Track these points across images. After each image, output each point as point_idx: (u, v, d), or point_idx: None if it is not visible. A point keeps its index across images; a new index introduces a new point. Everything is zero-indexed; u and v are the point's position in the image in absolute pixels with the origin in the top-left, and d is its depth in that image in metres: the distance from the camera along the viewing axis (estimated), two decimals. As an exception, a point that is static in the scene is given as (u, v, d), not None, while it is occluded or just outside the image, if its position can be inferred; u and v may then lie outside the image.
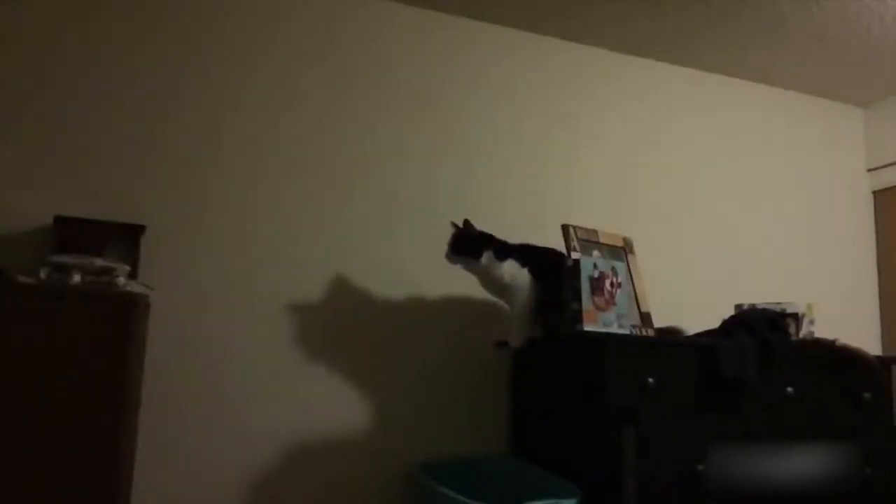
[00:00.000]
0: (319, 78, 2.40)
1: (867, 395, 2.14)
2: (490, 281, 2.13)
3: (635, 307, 2.19)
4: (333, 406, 2.26)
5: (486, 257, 2.07)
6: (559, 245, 2.14)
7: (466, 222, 2.13)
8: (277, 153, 2.31)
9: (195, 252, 2.18)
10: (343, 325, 2.30)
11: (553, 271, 2.09)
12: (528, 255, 2.12)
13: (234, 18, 2.32)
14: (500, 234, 2.13)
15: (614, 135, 2.80)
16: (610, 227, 2.29)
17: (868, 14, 2.47)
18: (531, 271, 2.09)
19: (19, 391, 1.54)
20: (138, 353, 1.84)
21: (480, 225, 2.14)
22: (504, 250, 2.10)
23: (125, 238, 1.94)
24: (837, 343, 2.16)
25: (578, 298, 1.98)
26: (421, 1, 2.52)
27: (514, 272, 2.09)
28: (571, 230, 2.14)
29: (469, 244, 2.08)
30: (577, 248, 2.11)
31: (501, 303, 2.24)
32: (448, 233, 2.12)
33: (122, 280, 1.75)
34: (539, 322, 2.15)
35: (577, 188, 2.70)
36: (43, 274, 1.67)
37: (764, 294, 2.64)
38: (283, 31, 2.37)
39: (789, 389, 2.05)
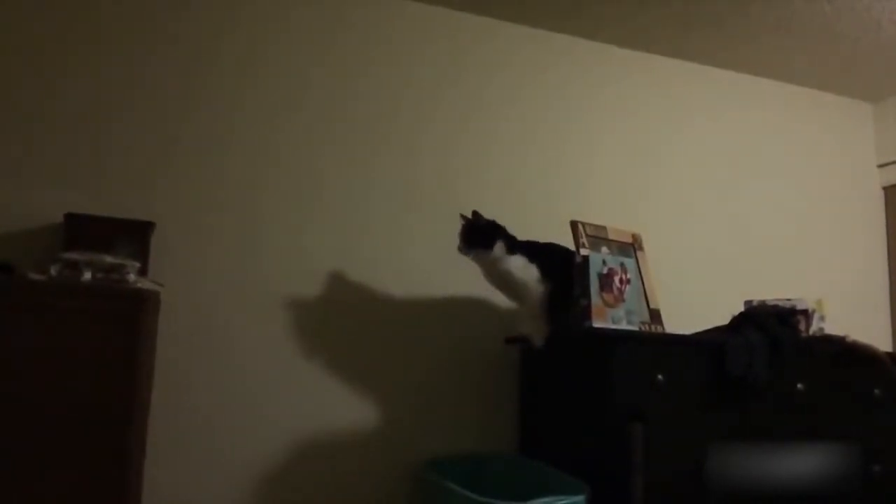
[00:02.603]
0: (329, 75, 2.40)
1: (877, 391, 2.13)
2: (497, 274, 2.09)
3: (644, 304, 2.18)
4: (342, 403, 2.26)
5: (499, 248, 2.04)
6: (568, 241, 2.13)
7: (475, 213, 2.12)
8: (287, 150, 2.31)
9: (205, 249, 2.18)
10: (351, 322, 2.31)
11: (561, 268, 2.09)
12: (536, 251, 2.10)
13: (244, 17, 2.33)
14: (511, 231, 2.12)
15: (624, 131, 2.79)
16: (620, 224, 2.29)
17: (879, 9, 2.46)
18: (540, 268, 2.08)
19: (30, 387, 1.55)
20: (148, 349, 1.85)
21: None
22: (514, 244, 2.08)
23: (135, 235, 1.95)
24: (847, 339, 2.15)
25: (587, 295, 1.98)
26: (432, -3, 2.53)
27: (523, 267, 2.07)
28: (580, 226, 2.14)
29: (479, 234, 2.06)
30: (586, 244, 2.11)
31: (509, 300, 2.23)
32: (457, 229, 2.12)
33: (132, 277, 1.75)
34: (548, 319, 2.14)
35: (587, 185, 2.69)
36: (53, 271, 1.68)
37: (774, 290, 2.62)
38: (292, 29, 2.38)
39: (799, 386, 2.04)
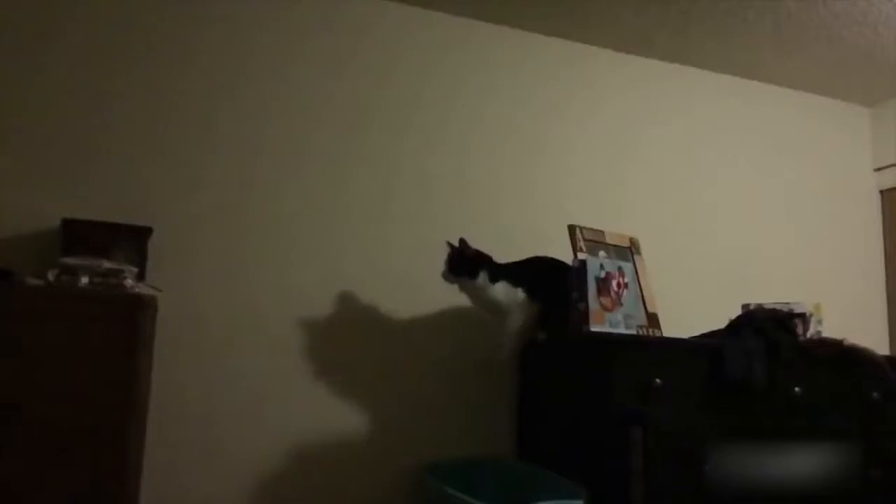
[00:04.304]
0: (313, 77, 2.39)
1: (875, 395, 2.14)
2: (484, 299, 2.14)
3: (642, 307, 2.18)
4: (339, 409, 2.26)
5: (482, 277, 2.09)
6: (560, 244, 2.14)
7: (462, 241, 2.14)
8: (276, 155, 2.31)
9: (202, 254, 2.18)
10: (349, 326, 2.30)
11: (552, 280, 2.10)
12: (521, 272, 2.13)
13: (240, 21, 2.33)
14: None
15: (619, 135, 2.79)
16: (616, 228, 2.29)
17: (875, 14, 2.46)
18: (526, 290, 2.11)
19: (29, 392, 1.55)
20: (146, 354, 1.84)
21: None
22: (497, 272, 2.11)
23: (133, 240, 1.95)
24: (845, 343, 2.16)
25: (585, 299, 1.98)
26: (412, -1, 2.52)
27: (507, 291, 2.11)
28: (578, 231, 2.14)
29: (465, 264, 2.10)
30: (584, 248, 2.11)
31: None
32: (443, 238, 2.13)
33: (129, 282, 1.75)
34: (543, 329, 2.15)
35: (581, 188, 2.69)
36: (51, 276, 1.68)
37: (771, 294, 2.63)
38: (283, 32, 2.38)
39: (797, 390, 2.05)
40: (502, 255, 2.19)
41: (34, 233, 2.00)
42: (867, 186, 3.21)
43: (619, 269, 2.07)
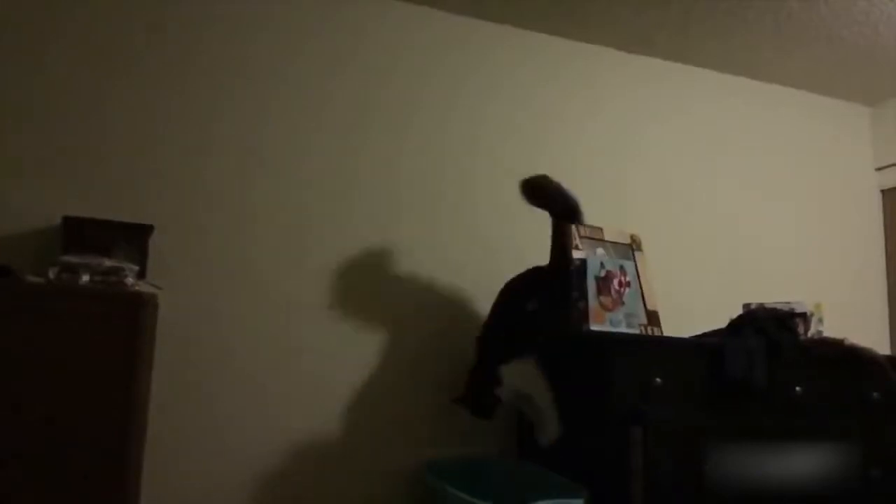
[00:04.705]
0: (313, 77, 2.39)
1: (876, 395, 2.13)
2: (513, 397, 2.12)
3: (642, 305, 2.18)
4: (340, 408, 2.26)
5: (500, 391, 2.07)
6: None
7: (463, 393, 2.14)
8: (277, 151, 2.31)
9: (203, 252, 2.18)
10: (350, 325, 2.30)
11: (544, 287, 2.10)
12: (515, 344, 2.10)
13: (242, 21, 2.33)
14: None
15: (619, 135, 2.79)
16: (616, 226, 2.29)
17: (876, 13, 2.46)
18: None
19: (28, 391, 1.54)
20: (147, 352, 1.84)
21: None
22: (493, 366, 2.08)
23: (133, 238, 1.95)
24: (846, 343, 2.16)
25: (585, 298, 1.97)
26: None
27: (515, 374, 2.08)
28: (573, 228, 2.13)
29: (484, 404, 2.10)
30: (580, 245, 2.10)
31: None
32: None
33: (130, 280, 1.75)
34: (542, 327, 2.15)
35: (581, 188, 2.68)
36: (51, 274, 1.68)
37: (772, 293, 2.63)
38: (283, 32, 2.38)
39: (797, 389, 2.04)
40: (503, 255, 2.19)
41: (35, 230, 2.00)
42: (868, 186, 3.21)
43: (621, 267, 2.07)
